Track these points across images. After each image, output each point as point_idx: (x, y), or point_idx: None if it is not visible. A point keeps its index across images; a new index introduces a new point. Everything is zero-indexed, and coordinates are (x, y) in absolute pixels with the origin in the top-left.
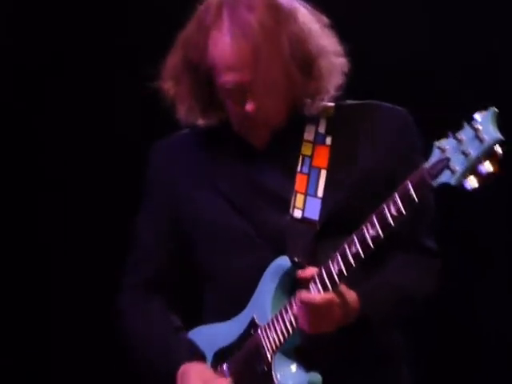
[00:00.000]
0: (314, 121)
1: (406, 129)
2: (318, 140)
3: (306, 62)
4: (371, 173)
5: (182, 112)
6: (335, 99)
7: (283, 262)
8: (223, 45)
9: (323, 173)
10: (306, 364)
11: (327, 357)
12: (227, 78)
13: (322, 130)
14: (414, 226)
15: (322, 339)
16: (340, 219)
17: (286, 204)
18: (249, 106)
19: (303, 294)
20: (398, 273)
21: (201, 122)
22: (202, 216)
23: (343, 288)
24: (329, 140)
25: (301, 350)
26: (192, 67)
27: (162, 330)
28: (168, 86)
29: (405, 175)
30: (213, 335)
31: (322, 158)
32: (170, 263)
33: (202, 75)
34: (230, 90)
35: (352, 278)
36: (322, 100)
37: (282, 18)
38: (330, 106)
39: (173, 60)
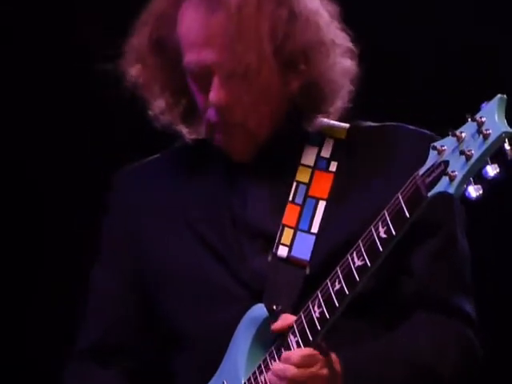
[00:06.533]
0: (317, 142)
1: None
2: (320, 165)
3: (295, 56)
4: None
5: (155, 106)
6: (350, 119)
7: (258, 311)
8: (191, 17)
9: (321, 204)
10: None
11: None
12: (190, 57)
13: (326, 154)
14: (438, 279)
15: None
16: (338, 263)
17: (270, 241)
18: (213, 95)
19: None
20: (407, 337)
21: (181, 126)
22: (170, 265)
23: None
24: (334, 166)
25: None
26: (160, 46)
27: None
28: (134, 71)
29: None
30: None
31: (322, 186)
32: (129, 325)
33: (171, 56)
34: (194, 74)
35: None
36: (321, 113)
37: None
38: (343, 127)
39: (138, 39)
